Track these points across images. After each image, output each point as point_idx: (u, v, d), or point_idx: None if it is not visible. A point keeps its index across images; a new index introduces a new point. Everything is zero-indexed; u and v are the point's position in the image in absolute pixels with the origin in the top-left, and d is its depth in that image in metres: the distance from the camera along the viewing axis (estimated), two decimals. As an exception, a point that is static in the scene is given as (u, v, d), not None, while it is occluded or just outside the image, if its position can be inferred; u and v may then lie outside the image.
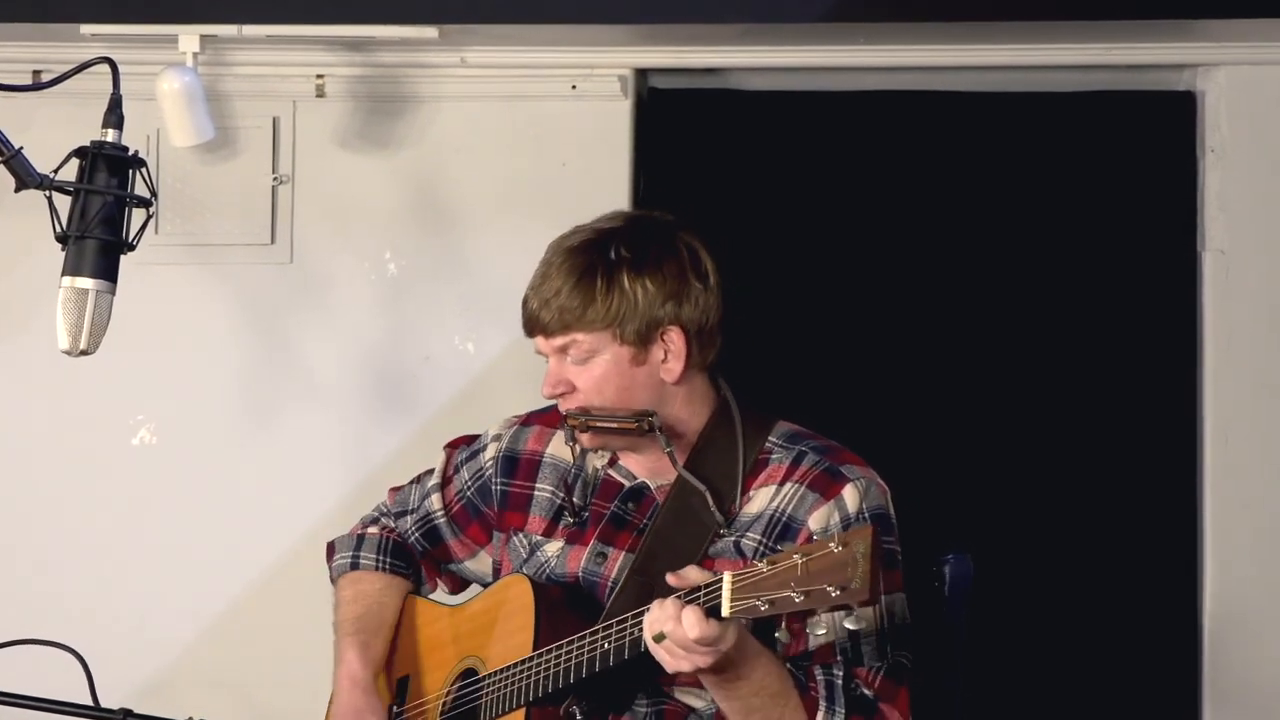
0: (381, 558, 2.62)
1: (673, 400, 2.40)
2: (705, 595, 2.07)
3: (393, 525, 2.65)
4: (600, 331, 2.35)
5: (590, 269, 2.35)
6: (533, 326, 2.40)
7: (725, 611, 2.04)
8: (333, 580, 2.66)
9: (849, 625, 1.96)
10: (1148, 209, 3.35)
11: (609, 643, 2.20)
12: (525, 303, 2.41)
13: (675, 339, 2.36)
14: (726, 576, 2.04)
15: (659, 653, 2.11)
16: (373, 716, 2.50)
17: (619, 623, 2.20)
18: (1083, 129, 3.36)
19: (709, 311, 2.38)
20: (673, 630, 2.07)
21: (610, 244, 2.37)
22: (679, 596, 2.09)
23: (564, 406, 2.41)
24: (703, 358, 2.40)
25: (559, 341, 2.37)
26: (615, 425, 2.36)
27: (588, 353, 2.36)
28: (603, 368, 2.36)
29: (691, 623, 2.05)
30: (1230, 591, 3.28)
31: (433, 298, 3.40)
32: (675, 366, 2.37)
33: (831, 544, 1.95)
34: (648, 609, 2.13)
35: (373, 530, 2.66)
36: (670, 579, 2.15)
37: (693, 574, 2.14)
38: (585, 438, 2.40)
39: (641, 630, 2.14)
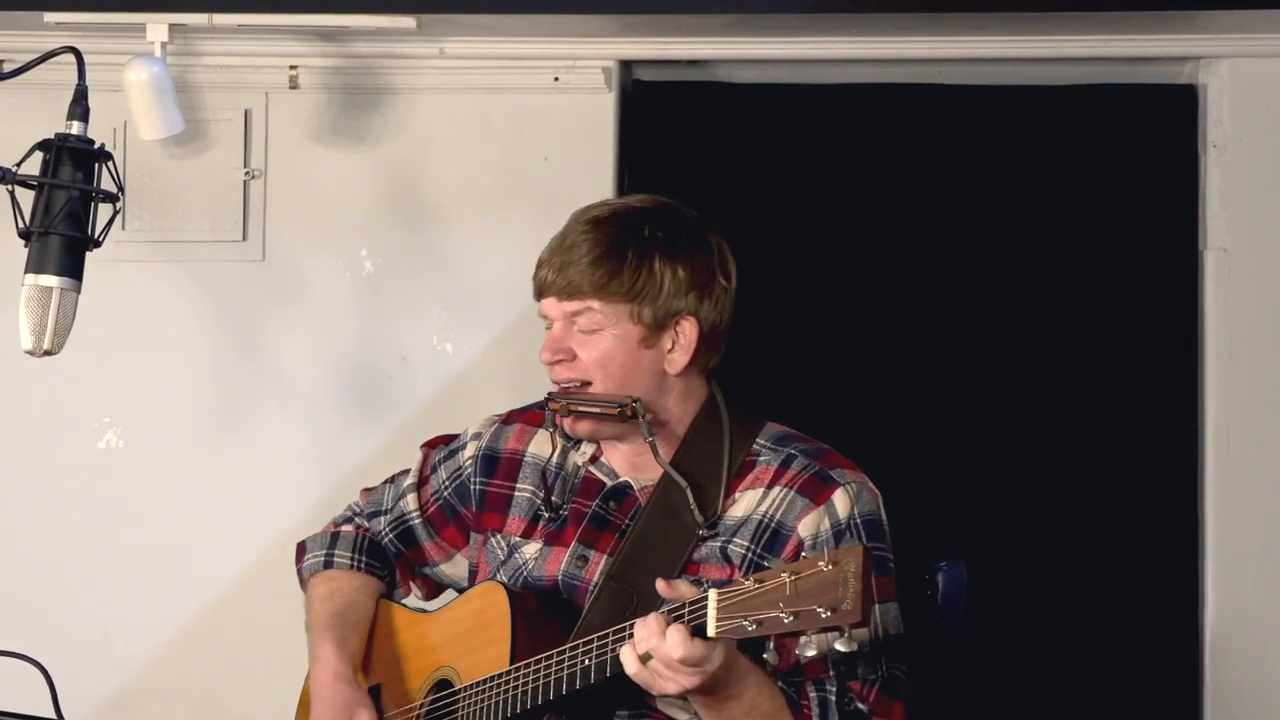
0: (357, 556, 2.61)
1: (669, 392, 2.40)
2: (690, 613, 2.06)
3: (367, 525, 2.64)
4: (618, 305, 2.35)
5: (622, 241, 2.35)
6: (545, 288, 2.38)
7: (711, 631, 2.03)
8: (303, 580, 2.65)
9: (840, 648, 1.93)
10: (1148, 206, 3.35)
11: (589, 659, 2.19)
12: (540, 265, 2.39)
13: (689, 331, 2.37)
14: (712, 594, 2.03)
15: (644, 675, 2.09)
16: (365, 711, 2.46)
17: (599, 638, 2.19)
18: (1081, 124, 3.37)
19: (724, 313, 2.40)
20: (656, 647, 2.06)
21: (643, 222, 2.37)
22: (663, 613, 2.08)
23: (559, 375, 2.39)
24: (706, 358, 2.41)
25: (572, 306, 2.36)
26: (598, 410, 2.35)
27: (599, 324, 2.36)
28: (610, 342, 2.36)
29: (676, 642, 2.04)
30: (1232, 595, 3.28)
31: (410, 296, 3.40)
32: (681, 359, 2.38)
33: (821, 563, 1.94)
34: (630, 624, 2.12)
35: (347, 529, 2.64)
36: (661, 587, 2.14)
37: (684, 587, 2.13)
38: (567, 422, 2.39)
39: (622, 646, 2.12)
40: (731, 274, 2.41)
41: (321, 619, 2.56)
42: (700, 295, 2.37)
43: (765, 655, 2.02)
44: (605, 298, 2.35)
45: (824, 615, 1.91)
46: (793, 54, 3.37)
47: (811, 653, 1.95)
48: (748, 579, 2.01)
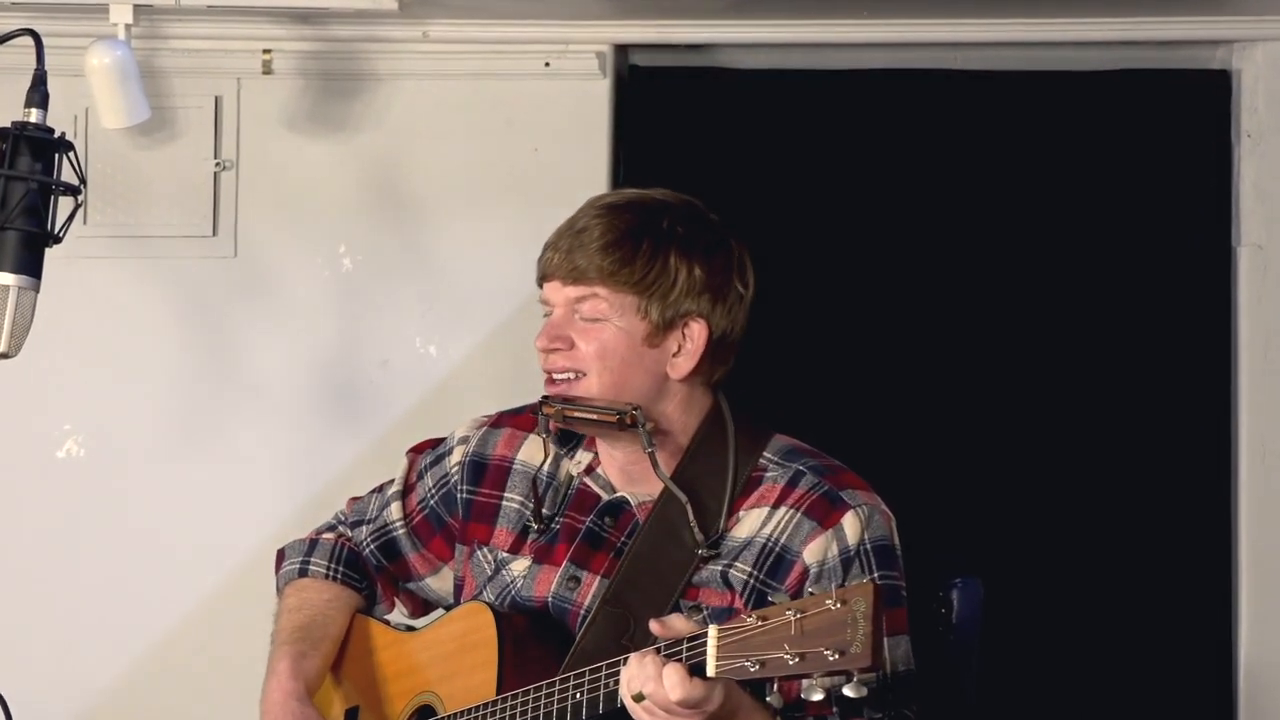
0: (333, 566, 2.61)
1: (670, 398, 2.39)
2: (688, 651, 2.05)
3: (349, 534, 2.64)
4: (626, 295, 2.34)
5: (638, 230, 2.35)
6: (550, 271, 2.38)
7: (711, 671, 2.01)
8: (279, 589, 2.64)
9: (848, 693, 1.91)
10: (1178, 199, 3.36)
11: (581, 693, 2.18)
12: (545, 248, 2.39)
13: (697, 335, 2.37)
14: (712, 631, 2.02)
15: (637, 712, 2.09)
16: None
17: (592, 671, 2.17)
18: (1107, 111, 3.37)
19: (736, 323, 2.39)
20: (653, 691, 2.04)
21: (663, 214, 2.37)
22: (659, 650, 2.07)
23: (554, 364, 2.38)
24: (712, 369, 2.40)
25: (576, 291, 2.36)
26: (595, 417, 2.35)
27: (603, 314, 2.35)
28: (612, 334, 2.35)
29: (674, 683, 2.02)
30: (1269, 614, 3.28)
31: (391, 296, 3.40)
32: (685, 364, 2.37)
33: (829, 600, 1.93)
34: (624, 660, 2.11)
35: (327, 536, 2.64)
36: (654, 627, 2.11)
37: (678, 624, 2.10)
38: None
39: (617, 683, 2.11)
40: (750, 283, 2.40)
41: (284, 631, 2.55)
42: (714, 299, 2.36)
43: (769, 699, 2.00)
44: (613, 286, 2.34)
45: (831, 658, 1.90)
46: (799, 38, 3.37)
47: (818, 696, 1.93)
48: (750, 615, 1.99)
